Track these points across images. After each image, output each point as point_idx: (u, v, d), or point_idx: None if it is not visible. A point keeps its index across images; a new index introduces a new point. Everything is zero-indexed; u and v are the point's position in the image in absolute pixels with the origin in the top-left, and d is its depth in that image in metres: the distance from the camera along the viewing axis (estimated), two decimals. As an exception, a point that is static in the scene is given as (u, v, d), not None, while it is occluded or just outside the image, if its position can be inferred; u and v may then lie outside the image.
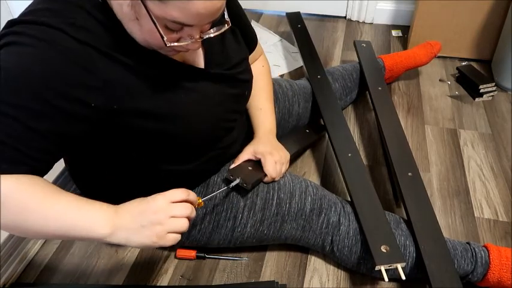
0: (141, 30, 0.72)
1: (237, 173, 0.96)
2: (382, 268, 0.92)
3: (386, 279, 0.91)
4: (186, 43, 0.74)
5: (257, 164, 1.01)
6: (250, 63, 1.05)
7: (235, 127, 1.00)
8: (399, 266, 0.92)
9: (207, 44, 0.88)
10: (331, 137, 1.24)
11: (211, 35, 0.77)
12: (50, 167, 0.76)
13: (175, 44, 0.73)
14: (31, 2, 0.76)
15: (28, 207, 0.70)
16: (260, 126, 1.08)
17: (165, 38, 0.71)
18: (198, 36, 0.74)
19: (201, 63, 0.88)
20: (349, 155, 1.18)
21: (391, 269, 0.94)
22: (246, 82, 1.00)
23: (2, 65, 0.68)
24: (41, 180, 0.74)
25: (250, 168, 0.99)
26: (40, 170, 0.74)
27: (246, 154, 1.02)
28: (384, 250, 0.94)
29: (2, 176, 0.68)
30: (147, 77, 0.78)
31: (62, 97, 0.70)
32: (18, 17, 0.73)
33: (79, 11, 0.72)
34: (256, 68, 1.11)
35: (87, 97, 0.72)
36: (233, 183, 0.95)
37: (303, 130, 1.37)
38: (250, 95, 1.04)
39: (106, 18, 0.73)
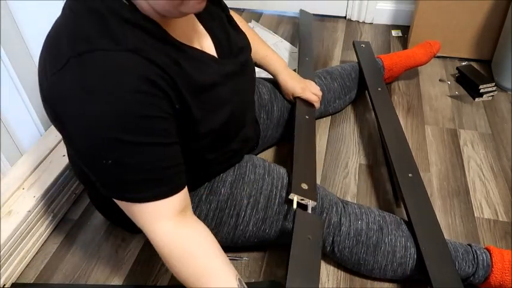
0: None
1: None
2: (295, 198, 0.93)
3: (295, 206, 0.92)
4: None
5: None
6: None
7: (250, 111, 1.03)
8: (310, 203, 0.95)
9: (213, 35, 0.90)
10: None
11: None
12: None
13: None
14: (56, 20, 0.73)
15: (185, 262, 0.76)
16: (276, 66, 1.25)
17: None
18: None
19: (215, 54, 0.89)
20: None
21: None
22: (252, 66, 1.04)
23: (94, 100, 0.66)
24: (198, 232, 0.78)
25: None
26: (182, 184, 0.77)
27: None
28: (304, 187, 0.97)
29: (162, 228, 0.74)
30: (190, 68, 0.78)
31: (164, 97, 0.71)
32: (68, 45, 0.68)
33: (118, 24, 0.69)
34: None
35: (171, 94, 0.72)
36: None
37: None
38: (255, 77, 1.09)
39: (141, 18, 0.71)
